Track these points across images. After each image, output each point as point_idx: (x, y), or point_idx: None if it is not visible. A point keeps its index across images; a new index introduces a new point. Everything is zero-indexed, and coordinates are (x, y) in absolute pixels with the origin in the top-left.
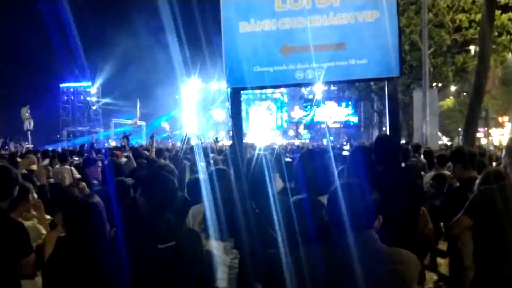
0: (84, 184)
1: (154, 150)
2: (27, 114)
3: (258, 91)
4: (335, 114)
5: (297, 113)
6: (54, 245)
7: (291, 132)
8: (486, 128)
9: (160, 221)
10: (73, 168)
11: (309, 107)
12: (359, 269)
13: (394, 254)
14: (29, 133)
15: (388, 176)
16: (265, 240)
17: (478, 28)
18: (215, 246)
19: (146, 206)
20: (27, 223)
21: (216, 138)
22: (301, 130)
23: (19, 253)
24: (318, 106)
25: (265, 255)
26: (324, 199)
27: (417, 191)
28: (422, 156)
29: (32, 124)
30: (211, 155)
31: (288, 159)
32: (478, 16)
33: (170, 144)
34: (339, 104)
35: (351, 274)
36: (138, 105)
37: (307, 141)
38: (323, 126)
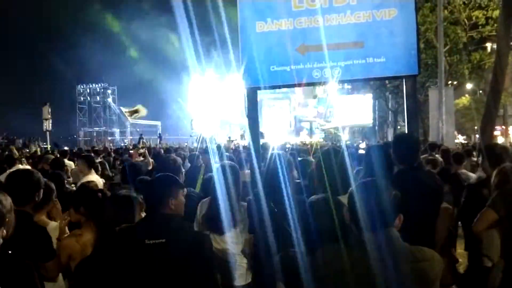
0: (95, 183)
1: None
2: (48, 115)
3: (271, 90)
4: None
5: (311, 112)
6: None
7: (305, 131)
8: (503, 127)
9: (151, 218)
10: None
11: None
12: (381, 268)
13: (416, 252)
14: (48, 133)
15: (407, 175)
16: (284, 239)
17: (495, 25)
18: (219, 239)
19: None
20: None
21: (230, 137)
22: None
23: (42, 257)
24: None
25: (286, 255)
26: (343, 198)
27: (437, 190)
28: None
29: (50, 124)
30: (225, 154)
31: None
32: (495, 13)
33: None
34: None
35: (373, 273)
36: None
37: (321, 140)
38: (337, 125)
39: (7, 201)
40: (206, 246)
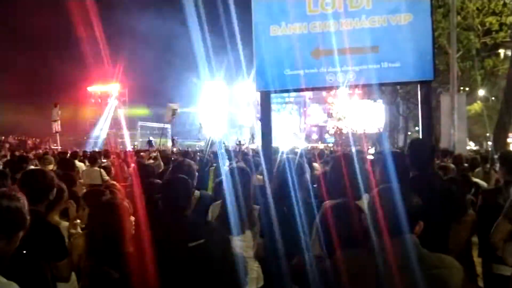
0: (119, 186)
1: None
2: (57, 116)
3: (280, 95)
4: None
5: (320, 117)
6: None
7: (314, 136)
8: None
9: (184, 222)
10: (102, 170)
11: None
12: (401, 274)
13: (436, 259)
14: (57, 135)
15: (422, 181)
16: (296, 243)
17: (509, 31)
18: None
19: (166, 209)
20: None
21: (240, 141)
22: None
23: (55, 256)
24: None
25: (300, 259)
26: (361, 203)
27: (451, 197)
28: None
29: (59, 126)
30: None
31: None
32: (509, 19)
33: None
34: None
35: (392, 279)
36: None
37: (331, 145)
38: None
39: (26, 202)
40: (226, 239)
